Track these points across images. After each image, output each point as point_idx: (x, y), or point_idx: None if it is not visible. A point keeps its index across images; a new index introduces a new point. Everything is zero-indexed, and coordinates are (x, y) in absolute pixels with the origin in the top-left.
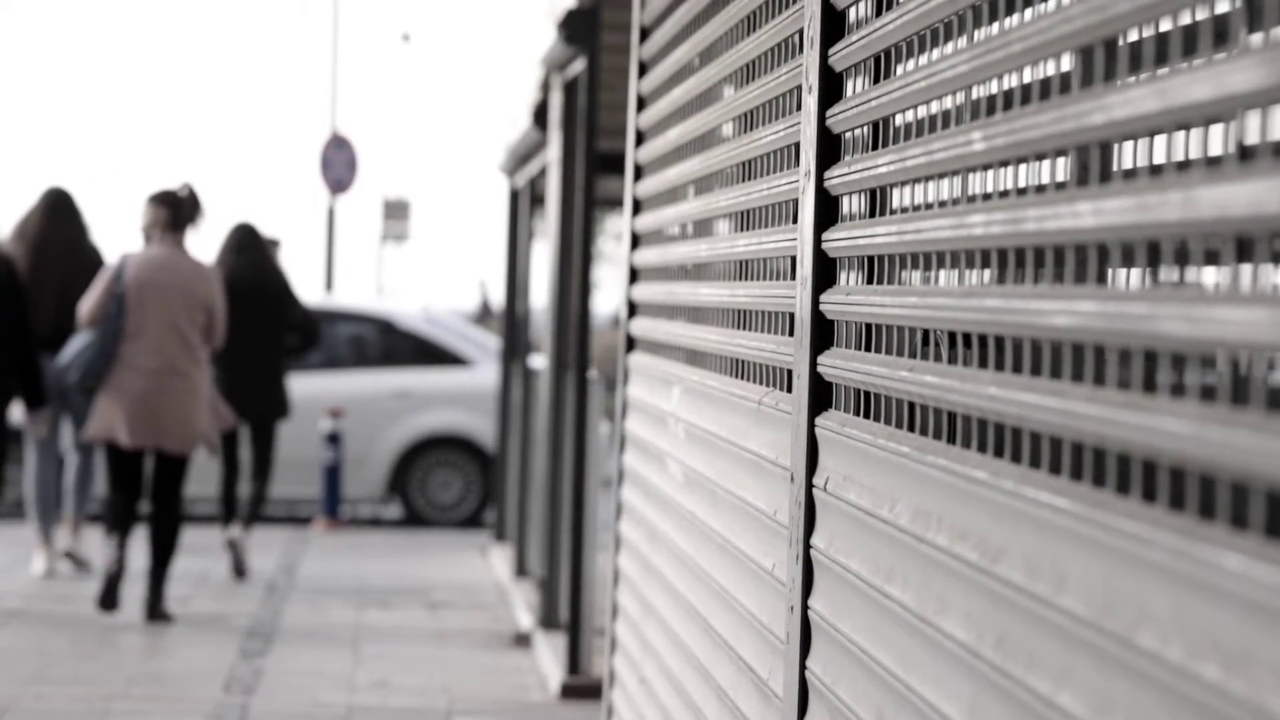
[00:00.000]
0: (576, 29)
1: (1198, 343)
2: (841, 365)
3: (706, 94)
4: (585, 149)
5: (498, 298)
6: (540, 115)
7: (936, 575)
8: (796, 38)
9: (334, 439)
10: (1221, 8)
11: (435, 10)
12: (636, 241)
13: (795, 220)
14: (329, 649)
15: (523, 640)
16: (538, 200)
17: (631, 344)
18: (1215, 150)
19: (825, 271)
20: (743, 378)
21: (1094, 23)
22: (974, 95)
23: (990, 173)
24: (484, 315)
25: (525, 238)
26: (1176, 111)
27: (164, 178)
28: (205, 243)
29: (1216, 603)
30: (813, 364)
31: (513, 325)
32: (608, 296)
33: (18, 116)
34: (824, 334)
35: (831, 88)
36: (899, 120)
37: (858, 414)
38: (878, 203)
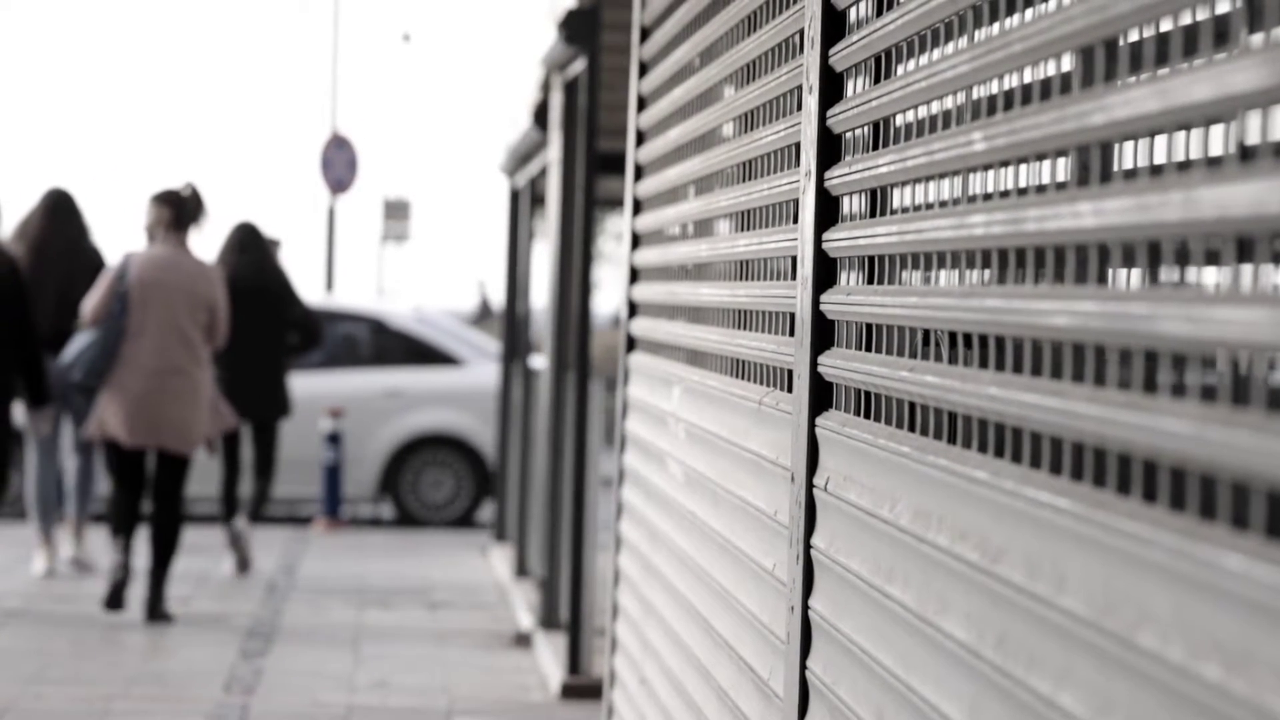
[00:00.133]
0: (577, 29)
1: (1198, 343)
2: (842, 365)
3: (707, 94)
4: (586, 149)
5: (498, 298)
6: (541, 115)
7: (937, 575)
8: (797, 38)
9: (334, 439)
10: (1222, 8)
11: (435, 10)
12: (637, 241)
13: (796, 220)
14: (329, 649)
15: (523, 640)
16: (538, 200)
17: (632, 344)
18: (1216, 150)
19: (826, 271)
20: (743, 378)
21: (1094, 23)
22: (975, 95)
23: (991, 173)
24: (484, 315)
25: (526, 238)
26: (1177, 112)
27: (165, 177)
28: (207, 242)
29: (1217, 603)
30: (813, 364)
31: (513, 325)
32: (608, 296)
33: (18, 117)
34: (824, 334)
35: (832, 88)
36: (899, 120)
37: (858, 414)
38: (878, 203)
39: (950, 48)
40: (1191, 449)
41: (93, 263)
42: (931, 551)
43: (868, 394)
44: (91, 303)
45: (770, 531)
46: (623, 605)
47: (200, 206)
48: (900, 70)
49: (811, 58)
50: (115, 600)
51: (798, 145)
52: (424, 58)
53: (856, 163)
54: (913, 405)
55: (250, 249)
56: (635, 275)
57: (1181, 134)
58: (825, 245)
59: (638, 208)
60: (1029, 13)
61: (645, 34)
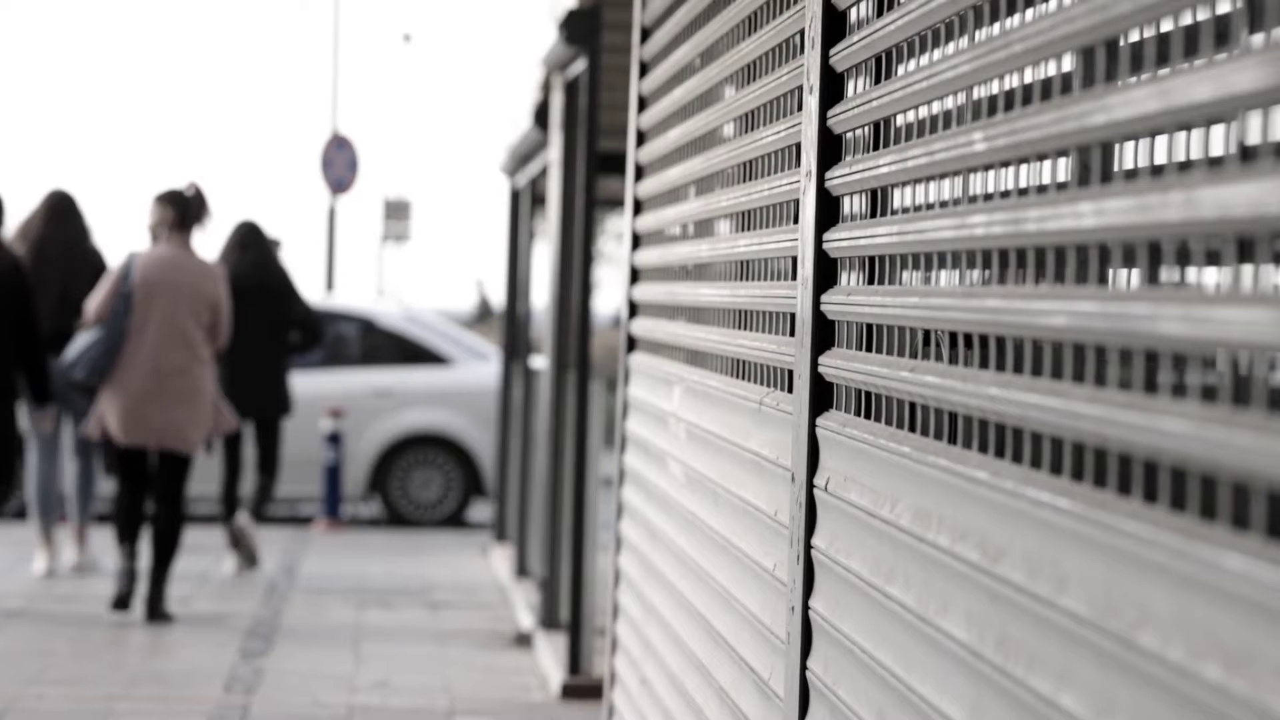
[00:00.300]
0: (577, 29)
1: (1199, 343)
2: (842, 365)
3: (707, 94)
4: (586, 149)
5: (498, 298)
6: (541, 115)
7: (937, 575)
8: (797, 38)
9: (334, 439)
10: (1223, 8)
11: (436, 10)
12: (637, 242)
13: (796, 220)
14: (330, 649)
15: (523, 640)
16: (539, 200)
17: (632, 344)
18: (1217, 151)
19: (826, 272)
20: (744, 378)
21: (1095, 23)
22: (975, 95)
23: (991, 173)
24: (484, 315)
25: (526, 238)
26: (1178, 112)
27: (165, 177)
28: (208, 241)
29: (1218, 603)
30: (814, 364)
31: (513, 325)
32: (608, 296)
33: (19, 117)
34: (825, 334)
35: (832, 88)
36: (900, 120)
37: (859, 414)
38: (879, 203)
39: (951, 48)
40: (1192, 449)
41: (93, 264)
42: (932, 552)
43: (868, 394)
44: (95, 302)
45: (771, 531)
46: (623, 605)
47: (204, 206)
48: (901, 70)
49: (812, 58)
50: (122, 603)
51: (798, 145)
52: (424, 58)
53: (857, 163)
54: (913, 405)
55: (252, 247)
56: (636, 275)
57: (1182, 134)
58: (826, 245)
59: (638, 208)
60: (1029, 13)
61: (646, 34)
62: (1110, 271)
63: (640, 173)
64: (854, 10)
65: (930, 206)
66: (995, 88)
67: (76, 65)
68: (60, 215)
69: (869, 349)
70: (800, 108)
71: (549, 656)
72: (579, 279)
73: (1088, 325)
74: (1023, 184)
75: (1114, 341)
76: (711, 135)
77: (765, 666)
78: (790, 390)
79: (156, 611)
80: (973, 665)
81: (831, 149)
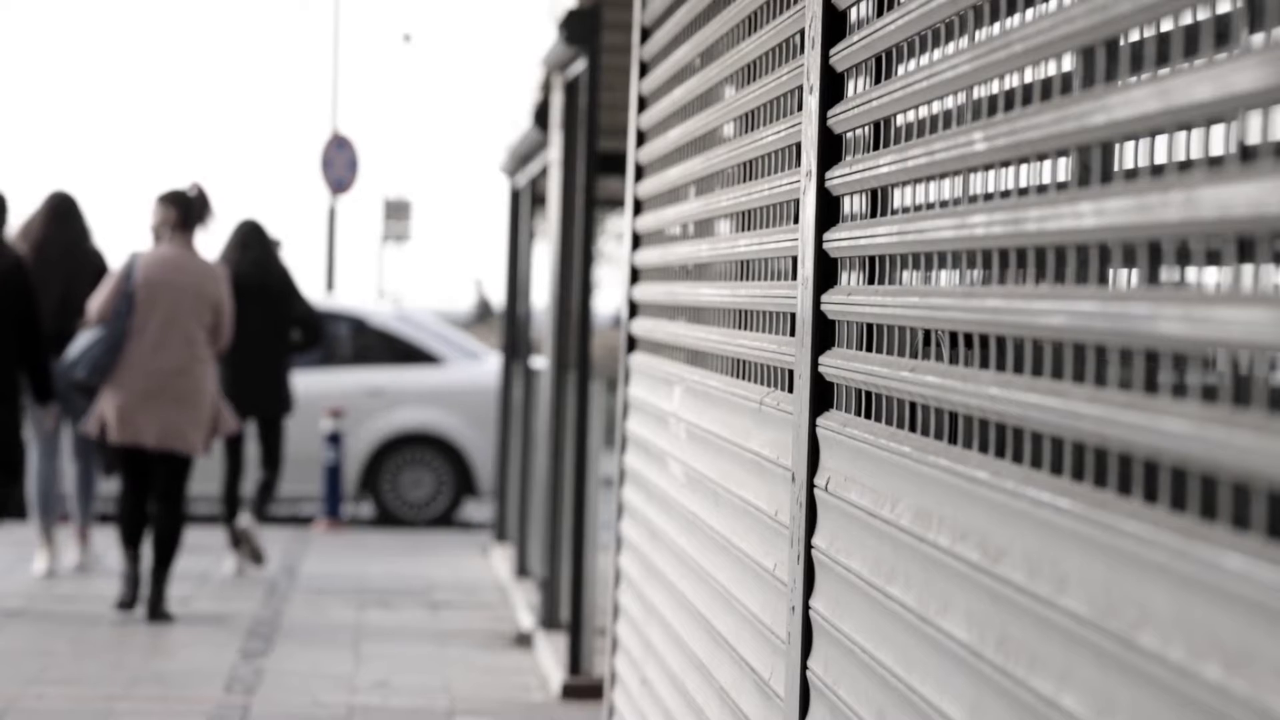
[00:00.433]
0: (577, 29)
1: (1199, 343)
2: (843, 365)
3: (707, 94)
4: (586, 149)
5: (498, 298)
6: (541, 115)
7: (938, 575)
8: (798, 38)
9: (334, 439)
10: (1223, 8)
11: (436, 10)
12: (637, 241)
13: (796, 220)
14: (330, 649)
15: (524, 640)
16: (539, 200)
17: (632, 344)
18: (1217, 150)
19: (826, 272)
20: (744, 378)
21: (1095, 23)
22: (975, 95)
23: (991, 173)
24: (484, 315)
25: (526, 238)
26: (1178, 111)
27: (166, 178)
28: (210, 241)
29: (1218, 603)
30: (814, 364)
31: (513, 325)
32: (608, 296)
33: (19, 117)
34: (825, 334)
35: (833, 88)
36: (900, 120)
37: (859, 414)
38: (879, 203)
39: (951, 48)
40: (1192, 449)
41: (94, 265)
42: (932, 551)
43: (868, 394)
44: (97, 301)
45: (771, 531)
46: (623, 605)
47: (206, 207)
48: (901, 70)
49: (812, 58)
50: (126, 607)
51: (798, 145)
52: (424, 58)
53: (857, 163)
54: (913, 405)
55: (253, 246)
56: (636, 275)
57: (1182, 134)
58: (826, 245)
59: (638, 208)
60: (1029, 13)
61: (646, 34)
62: (1110, 271)
63: (640, 173)
64: (854, 10)
65: (930, 206)
66: (995, 87)
67: (77, 66)
68: (61, 216)
69: (869, 349)
70: (800, 107)
71: (549, 656)
72: (579, 279)
73: (1088, 325)
74: (1023, 184)
75: (1114, 341)
76: (712, 135)
77: (766, 666)
78: (791, 390)
79: (157, 611)
80: (973, 665)
81: (832, 149)
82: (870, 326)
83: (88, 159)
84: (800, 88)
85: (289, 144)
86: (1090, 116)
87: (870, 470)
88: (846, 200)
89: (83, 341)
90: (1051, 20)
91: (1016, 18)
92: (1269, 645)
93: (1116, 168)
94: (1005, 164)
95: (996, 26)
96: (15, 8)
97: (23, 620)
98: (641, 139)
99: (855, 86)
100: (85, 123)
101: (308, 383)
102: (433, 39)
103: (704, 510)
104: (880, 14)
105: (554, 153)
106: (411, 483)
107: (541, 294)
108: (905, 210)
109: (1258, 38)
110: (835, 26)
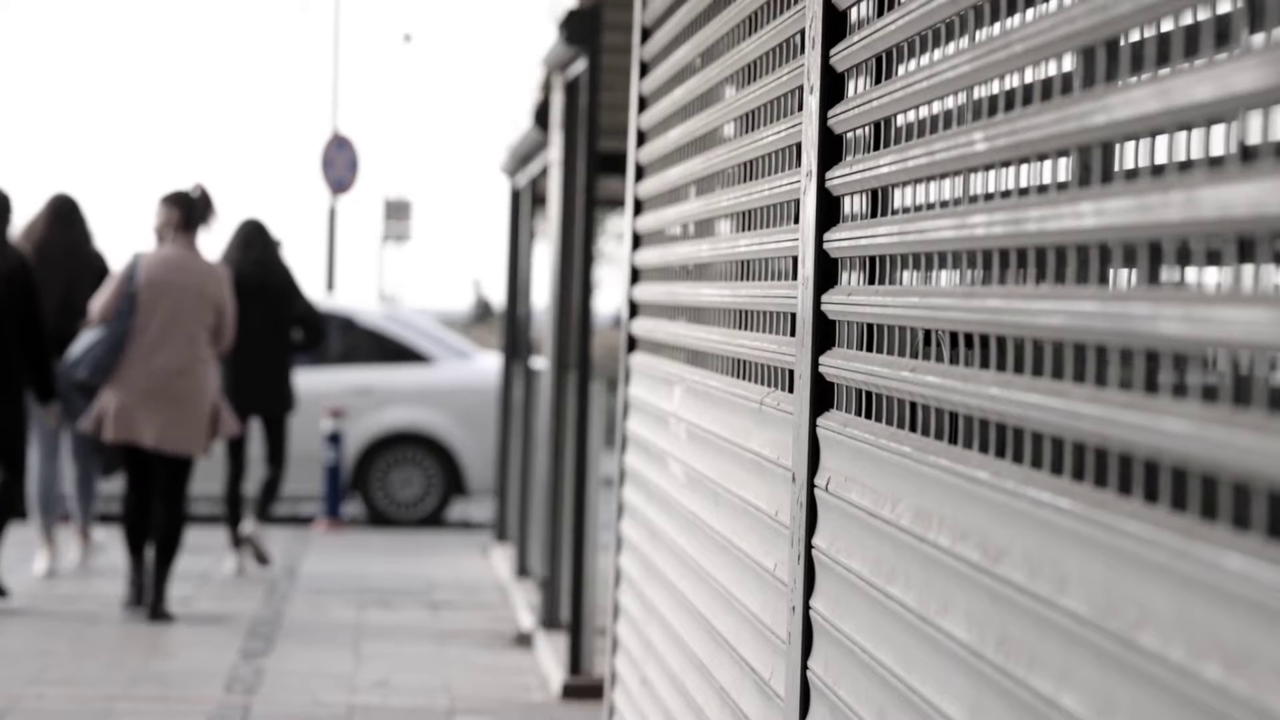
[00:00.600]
0: (577, 29)
1: (1199, 343)
2: (843, 365)
3: (708, 94)
4: (586, 149)
5: (498, 298)
6: (541, 115)
7: (938, 575)
8: (798, 38)
9: (334, 439)
10: (1223, 8)
11: (436, 10)
12: (638, 242)
13: (797, 220)
14: (330, 649)
15: (524, 640)
16: (539, 200)
17: (633, 344)
18: (1217, 150)
19: (827, 272)
20: (744, 378)
21: (1096, 23)
22: (975, 95)
23: (992, 173)
24: (484, 315)
25: (526, 238)
26: (1178, 112)
27: (166, 178)
28: (213, 242)
29: (1218, 603)
30: (814, 364)
31: (514, 325)
32: (609, 296)
33: (20, 118)
34: (825, 334)
35: (833, 88)
36: (900, 120)
37: (859, 414)
38: (879, 203)
39: (951, 48)
40: (1193, 449)
41: (96, 267)
42: (933, 551)
43: (869, 394)
44: (100, 301)
45: (771, 531)
46: (624, 605)
47: (209, 208)
48: (901, 70)
49: (812, 58)
50: (134, 603)
51: (799, 145)
52: (425, 58)
53: (857, 163)
54: (914, 405)
55: (255, 245)
56: (636, 275)
57: (1183, 134)
58: (826, 245)
59: (639, 208)
60: (1030, 13)
61: (646, 34)
62: (1111, 271)
63: (641, 173)
64: (854, 10)
65: (931, 206)
66: (996, 88)
67: (77, 66)
68: (63, 219)
69: (869, 349)
70: (801, 108)
71: (549, 656)
72: (579, 279)
73: (1088, 325)
74: (1023, 184)
75: (1114, 341)
76: (712, 135)
77: (766, 666)
78: (791, 390)
79: (158, 611)
80: (973, 665)
81: (832, 149)
82: (870, 326)
83: (88, 160)
84: (800, 88)
85: (289, 144)
86: (1091, 116)
87: (871, 470)
88: (847, 200)
89: (84, 341)
90: (1052, 20)
91: (1017, 18)
92: (1269, 645)
93: (1117, 168)
94: (1005, 164)
95: (997, 26)
96: (15, 8)
97: (23, 620)
98: (642, 139)
99: (855, 86)
100: (86, 124)
101: (297, 382)
102: (433, 39)
103: (704, 510)
104: (880, 14)
105: (554, 153)
106: (401, 482)
107: (542, 294)
108: (905, 210)
109: (1258, 38)
110: (835, 26)
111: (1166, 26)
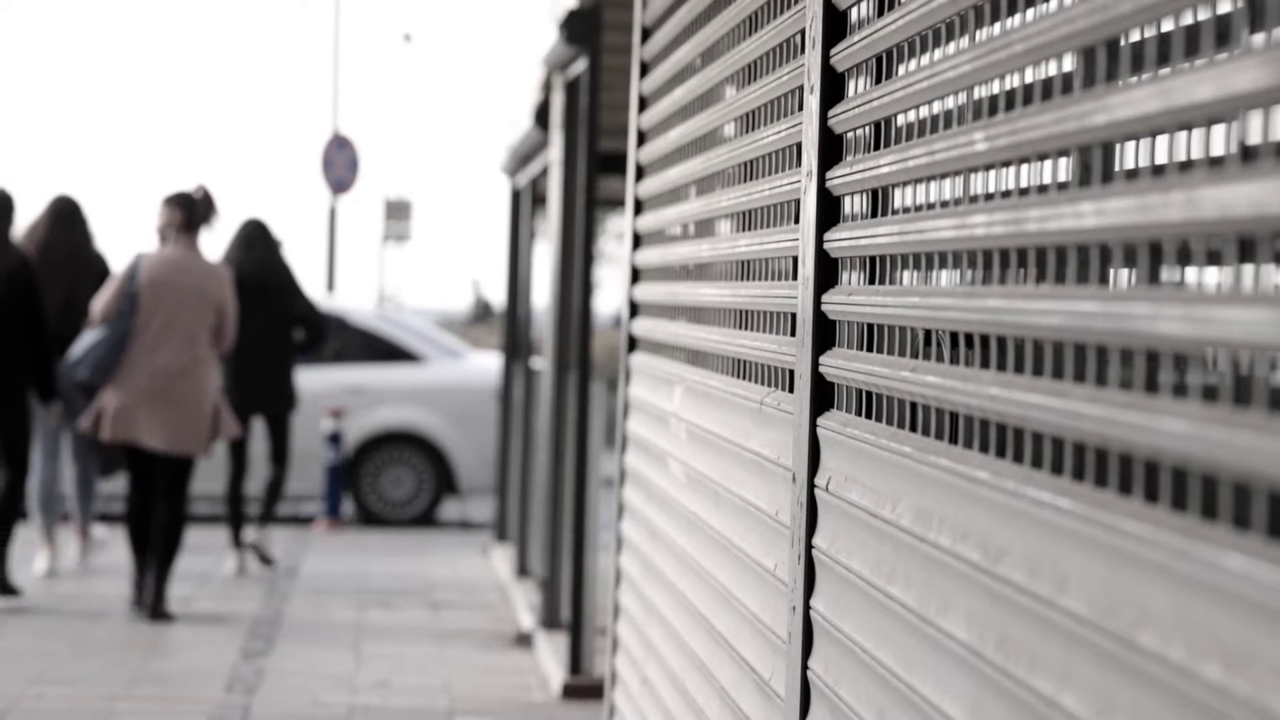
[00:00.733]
0: (578, 29)
1: (1199, 343)
2: (843, 365)
3: (708, 94)
4: (587, 149)
5: (499, 298)
6: (542, 115)
7: (938, 575)
8: (798, 38)
9: (335, 439)
10: (1223, 8)
11: (437, 10)
12: (638, 241)
13: (797, 220)
14: (331, 649)
15: (524, 640)
16: (539, 200)
17: (633, 344)
18: (1218, 150)
19: (827, 272)
20: (744, 378)
21: (1096, 23)
22: (976, 95)
23: (992, 173)
24: (483, 315)
25: (527, 238)
26: (1179, 112)
27: (166, 178)
28: (214, 242)
29: (1218, 603)
30: (814, 364)
31: (514, 325)
32: (609, 296)
33: (19, 118)
34: (826, 334)
35: (833, 88)
36: (901, 120)
37: (859, 414)
38: (879, 203)
39: (951, 48)
40: (1193, 449)
41: (97, 269)
42: (933, 551)
43: (869, 394)
44: (101, 301)
45: (772, 531)
46: (624, 605)
47: (211, 208)
48: (901, 70)
49: (813, 58)
50: (140, 602)
51: (799, 145)
52: (425, 58)
53: (858, 163)
54: (914, 405)
55: (257, 245)
56: (636, 275)
57: (1183, 134)
58: (827, 245)
59: (639, 208)
60: (1030, 13)
61: (646, 34)
62: (1111, 271)
63: (641, 173)
64: (855, 10)
65: (931, 206)
66: (996, 87)
67: (78, 67)
68: (65, 220)
69: (870, 349)
70: (801, 107)
71: (550, 656)
72: (580, 279)
73: (1088, 325)
74: (1023, 184)
75: (1115, 341)
76: (712, 135)
77: (766, 666)
78: (791, 390)
79: (158, 611)
80: (974, 665)
81: (832, 149)
82: (871, 326)
83: (89, 160)
84: (801, 88)
85: (289, 144)
86: (1091, 116)
87: (871, 470)
88: (847, 200)
89: (86, 341)
90: (1052, 20)
91: (1017, 18)
92: (1269, 645)
93: (1117, 168)
94: (1006, 164)
95: (997, 26)
96: (15, 8)
97: (23, 620)
98: (642, 139)
99: (856, 86)
100: (86, 124)
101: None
102: (433, 39)
103: (704, 510)
104: (881, 14)
105: (555, 153)
106: (392, 482)
107: (542, 294)
108: (906, 210)
109: (1258, 38)
110: (836, 26)
111: (1167, 26)
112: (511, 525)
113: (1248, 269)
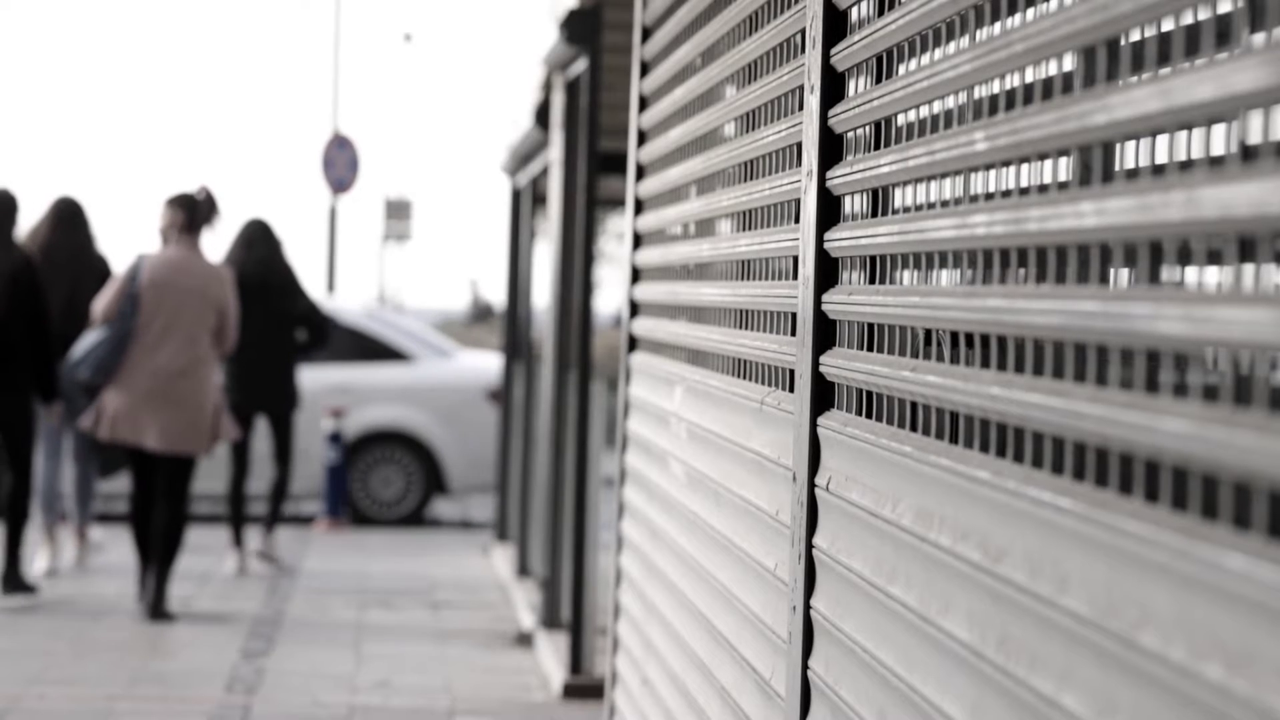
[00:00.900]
0: (578, 29)
1: (1200, 343)
2: (844, 365)
3: (708, 94)
4: (587, 149)
5: (499, 298)
6: (542, 115)
7: (939, 575)
8: (798, 37)
9: (335, 439)
10: (1224, 8)
11: (437, 10)
12: (638, 241)
13: (797, 220)
14: (331, 649)
15: (525, 640)
16: (540, 200)
17: (633, 344)
18: (1218, 150)
19: (827, 271)
20: (745, 377)
21: (1096, 22)
22: (976, 95)
23: (992, 172)
24: (483, 315)
25: (527, 237)
26: (1179, 111)
27: (166, 178)
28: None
29: (1219, 603)
30: (815, 364)
31: (514, 325)
32: (609, 296)
33: (19, 119)
34: (826, 334)
35: (833, 87)
36: (901, 120)
37: (860, 414)
38: (880, 202)
39: (952, 47)
40: (1193, 449)
41: (99, 270)
42: (933, 551)
43: (869, 394)
44: (103, 302)
45: (772, 531)
46: (624, 605)
47: (213, 209)
48: (902, 70)
49: (813, 57)
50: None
51: (799, 145)
52: (425, 57)
53: (858, 162)
54: (915, 405)
55: (258, 245)
56: (637, 275)
57: (1183, 134)
58: (827, 245)
59: (639, 207)
60: (1030, 12)
61: (647, 34)
62: (1111, 271)
63: (641, 172)
64: (855, 10)
65: (931, 206)
66: (996, 87)
67: (78, 67)
68: (67, 222)
69: (870, 348)
70: (801, 107)
71: (550, 656)
72: (580, 279)
73: (1089, 325)
74: (1024, 183)
75: (1115, 341)
76: (712, 135)
77: (767, 666)
78: (791, 390)
79: (158, 611)
80: (974, 665)
81: (832, 148)
82: (871, 326)
83: (90, 161)
84: (801, 87)
85: (289, 144)
86: (1091, 116)
87: (871, 470)
88: (847, 200)
89: (87, 342)
90: (1052, 20)
91: (1017, 17)
92: (1270, 645)
93: (1118, 167)
94: (1006, 164)
95: (997, 26)
96: (16, 8)
97: (23, 620)
98: (642, 139)
99: (856, 86)
100: (88, 125)
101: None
102: (433, 39)
103: (705, 510)
104: (881, 14)
105: (555, 152)
106: (381, 481)
107: (542, 294)
108: (906, 210)
109: (1258, 38)
110: (836, 26)
111: (1167, 26)
112: (512, 525)
113: (1248, 269)
